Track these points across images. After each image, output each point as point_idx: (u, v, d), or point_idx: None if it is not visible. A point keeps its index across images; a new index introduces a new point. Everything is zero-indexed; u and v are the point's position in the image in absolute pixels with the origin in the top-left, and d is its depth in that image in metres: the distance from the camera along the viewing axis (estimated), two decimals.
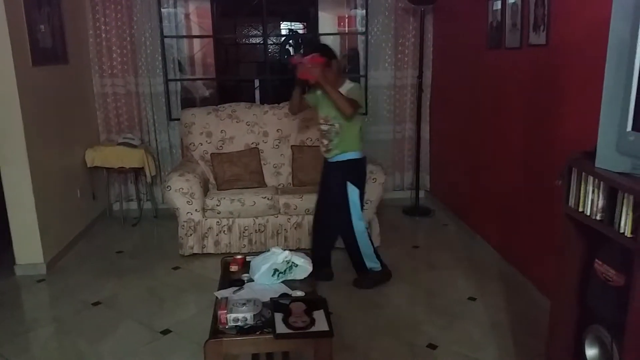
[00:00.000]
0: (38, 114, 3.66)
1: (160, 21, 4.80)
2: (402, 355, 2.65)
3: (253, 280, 2.48)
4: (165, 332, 2.89)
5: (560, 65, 2.88)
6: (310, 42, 3.29)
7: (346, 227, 3.32)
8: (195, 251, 3.89)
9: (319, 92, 3.28)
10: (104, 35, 4.75)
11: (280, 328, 2.02)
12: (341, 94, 3.10)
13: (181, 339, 2.82)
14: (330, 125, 3.24)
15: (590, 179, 1.82)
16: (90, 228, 4.54)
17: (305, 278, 2.48)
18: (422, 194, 5.15)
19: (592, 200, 1.82)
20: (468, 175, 4.29)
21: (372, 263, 3.40)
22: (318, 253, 3.40)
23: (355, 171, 3.33)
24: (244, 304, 2.14)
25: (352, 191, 3.28)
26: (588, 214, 1.86)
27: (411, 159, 5.20)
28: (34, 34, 3.61)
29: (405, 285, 3.46)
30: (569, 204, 1.99)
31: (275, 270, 2.45)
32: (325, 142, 3.30)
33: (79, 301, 3.27)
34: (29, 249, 3.62)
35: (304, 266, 2.50)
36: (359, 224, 3.32)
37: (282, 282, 2.44)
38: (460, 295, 3.28)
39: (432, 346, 2.72)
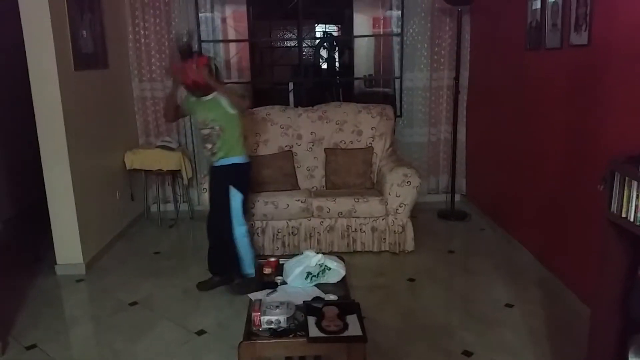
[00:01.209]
0: (79, 117, 3.78)
1: (198, 26, 4.88)
2: None
3: (286, 283, 2.49)
4: (200, 332, 2.93)
5: (603, 66, 2.78)
6: (184, 47, 3.20)
7: (226, 231, 3.26)
8: None
9: (192, 98, 3.27)
10: (143, 40, 4.86)
11: (314, 332, 2.02)
12: (232, 90, 3.19)
13: (215, 340, 2.85)
14: (211, 128, 3.20)
15: (635, 184, 1.75)
16: (128, 229, 4.65)
17: (338, 281, 2.48)
18: (457, 197, 5.06)
19: (636, 206, 1.76)
20: (506, 179, 4.19)
21: (249, 269, 3.29)
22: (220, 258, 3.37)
23: (239, 175, 3.29)
24: (277, 306, 2.15)
25: (235, 195, 3.23)
26: (631, 219, 1.79)
27: (447, 162, 5.12)
28: (76, 40, 3.72)
29: (440, 290, 3.40)
30: (612, 209, 1.92)
31: (309, 273, 2.46)
32: (209, 145, 3.25)
33: (116, 301, 3.35)
34: (69, 249, 3.73)
35: (337, 270, 2.50)
36: (238, 229, 3.26)
37: (315, 285, 2.44)
38: (497, 301, 3.20)
39: (467, 353, 2.66)
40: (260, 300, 2.23)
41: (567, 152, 3.19)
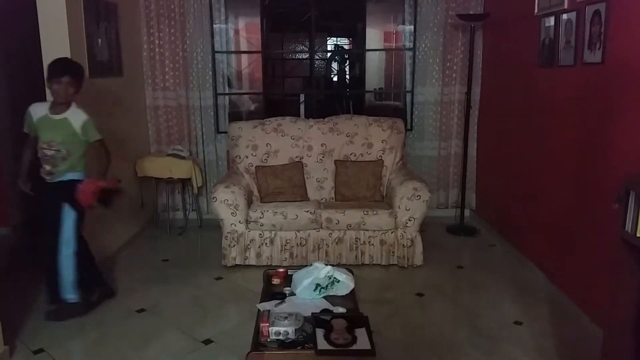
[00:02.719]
0: None
1: (212, 37, 4.94)
2: None
3: (295, 294, 2.49)
4: (207, 342, 2.92)
5: (617, 84, 2.77)
6: (57, 62, 3.08)
7: (52, 251, 3.10)
8: (237, 262, 3.93)
9: (38, 117, 3.10)
10: (157, 49, 4.92)
11: (322, 344, 2.02)
12: (103, 170, 3.13)
13: (222, 349, 2.84)
14: (56, 150, 3.06)
15: None
16: (137, 236, 4.67)
17: (347, 294, 2.47)
18: (467, 212, 5.04)
19: None
20: (517, 195, 4.17)
21: (68, 294, 3.15)
22: (82, 276, 3.21)
23: (73, 193, 3.04)
24: (285, 317, 2.15)
25: (68, 214, 3.08)
26: None
27: (457, 177, 5.11)
28: (92, 47, 3.78)
29: (448, 305, 3.38)
30: (626, 228, 1.90)
31: (317, 285, 2.46)
32: (48, 167, 3.09)
33: (124, 307, 3.35)
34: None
35: (345, 282, 2.50)
36: (65, 250, 3.10)
37: (324, 297, 2.44)
38: (505, 318, 3.17)
39: None
40: (269, 311, 2.23)
41: (578, 169, 3.17)
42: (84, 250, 3.30)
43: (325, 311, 2.28)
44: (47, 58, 3.45)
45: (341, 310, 2.31)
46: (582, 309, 3.10)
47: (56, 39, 3.44)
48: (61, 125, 3.08)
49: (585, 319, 3.03)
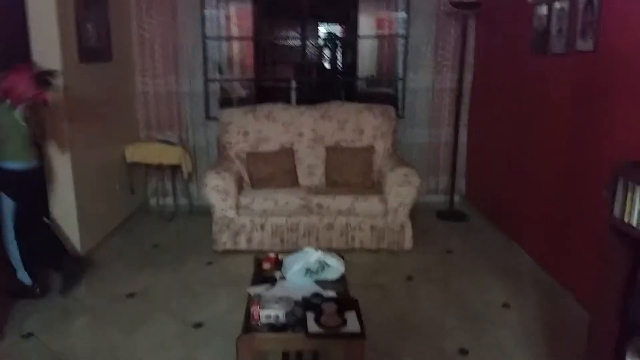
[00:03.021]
0: (82, 109, 3.77)
1: (203, 22, 4.89)
2: None
3: (285, 279, 2.50)
4: (198, 325, 2.94)
5: (608, 72, 2.79)
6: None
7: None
8: (228, 247, 3.94)
9: None
10: (147, 35, 4.86)
11: (312, 327, 2.03)
12: None
13: (213, 333, 2.86)
14: None
15: (638, 188, 1.76)
16: (127, 221, 4.65)
17: (337, 278, 2.48)
18: (457, 198, 5.07)
19: (639, 211, 1.76)
20: (506, 182, 4.21)
21: (21, 276, 3.24)
22: (33, 260, 3.28)
23: (10, 183, 3.11)
24: (276, 301, 2.16)
25: (6, 203, 3.11)
26: (634, 224, 1.79)
27: (447, 163, 5.13)
28: (81, 32, 3.72)
29: (438, 289, 3.41)
30: (614, 214, 1.92)
31: (308, 269, 2.46)
32: None
33: (113, 292, 3.35)
34: (67, 239, 3.73)
35: (336, 267, 2.50)
36: (7, 236, 3.17)
37: (314, 281, 2.45)
38: (493, 301, 3.21)
39: (463, 352, 2.67)
40: (259, 295, 2.24)
41: (569, 156, 3.20)
42: (44, 235, 3.34)
43: (315, 295, 2.28)
44: (36, 44, 3.42)
45: (331, 294, 2.31)
46: (569, 292, 3.15)
47: (45, 24, 3.39)
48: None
49: (572, 301, 3.08)
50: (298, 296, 2.26)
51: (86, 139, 3.86)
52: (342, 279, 2.48)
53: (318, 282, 2.45)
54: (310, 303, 2.20)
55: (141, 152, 4.70)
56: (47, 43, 3.41)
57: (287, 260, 2.56)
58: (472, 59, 4.96)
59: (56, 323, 2.97)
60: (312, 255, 2.49)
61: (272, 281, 2.50)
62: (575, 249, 3.12)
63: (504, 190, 4.27)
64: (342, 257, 2.64)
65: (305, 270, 2.46)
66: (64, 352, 2.67)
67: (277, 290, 2.38)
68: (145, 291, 3.37)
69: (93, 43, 3.97)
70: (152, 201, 5.15)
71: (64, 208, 3.68)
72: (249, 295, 2.31)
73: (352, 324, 2.06)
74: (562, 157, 3.27)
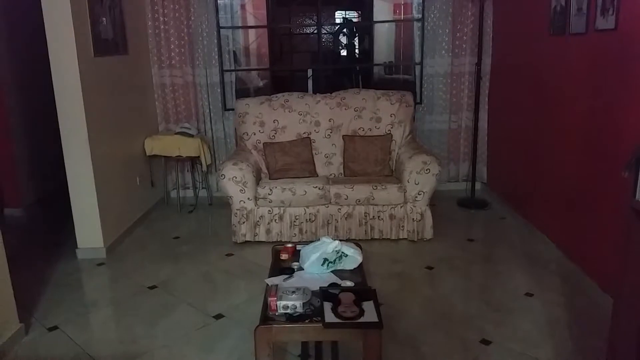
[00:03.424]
0: (99, 103, 3.81)
1: (217, 12, 4.87)
2: (454, 350, 2.58)
3: (303, 269, 2.49)
4: (218, 316, 2.95)
5: (630, 51, 2.68)
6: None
7: None
8: (247, 239, 3.95)
9: None
10: (162, 27, 4.87)
11: (329, 317, 2.01)
12: None
13: (233, 323, 2.87)
14: None
15: None
16: (148, 214, 4.71)
17: (355, 268, 2.46)
18: (478, 185, 4.99)
19: None
20: (528, 167, 4.12)
21: None
22: None
23: None
24: (293, 292, 2.15)
25: None
26: None
27: (467, 150, 5.05)
28: (96, 26, 3.74)
29: (459, 278, 3.37)
30: (637, 197, 1.85)
31: (325, 259, 2.45)
32: None
33: (135, 284, 3.39)
34: (90, 233, 3.78)
35: (353, 256, 2.48)
36: None
37: (332, 271, 2.43)
38: (516, 290, 3.16)
39: (485, 342, 2.63)
40: (277, 285, 2.23)
41: (591, 139, 3.11)
42: None
43: (333, 285, 2.27)
44: (50, 37, 3.45)
45: (349, 284, 2.29)
46: (593, 279, 3.07)
47: (59, 17, 3.41)
48: None
49: (596, 288, 3.01)
50: (315, 286, 2.25)
51: (104, 132, 3.90)
52: (360, 269, 2.46)
53: (336, 272, 2.43)
54: (328, 293, 2.18)
55: (160, 145, 4.73)
56: (62, 37, 3.43)
57: (305, 251, 2.54)
58: (490, 42, 4.85)
59: (80, 316, 3.02)
60: (329, 245, 2.47)
61: (290, 272, 2.50)
62: (600, 234, 3.04)
63: (525, 175, 4.18)
64: (360, 247, 2.62)
65: (322, 260, 2.45)
66: (88, 344, 2.71)
67: (295, 280, 2.37)
68: (167, 283, 3.41)
69: (108, 36, 3.99)
70: (173, 194, 5.20)
71: (85, 201, 3.72)
72: (267, 285, 2.31)
73: (369, 313, 2.03)
74: (584, 139, 3.18)
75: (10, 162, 4.84)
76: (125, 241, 4.13)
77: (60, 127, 3.60)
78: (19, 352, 2.64)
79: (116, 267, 3.69)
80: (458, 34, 4.89)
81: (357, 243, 2.63)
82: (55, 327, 2.88)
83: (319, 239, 2.56)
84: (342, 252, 2.47)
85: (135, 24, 4.56)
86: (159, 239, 4.23)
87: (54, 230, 4.35)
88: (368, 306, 2.08)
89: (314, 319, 2.03)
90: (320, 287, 2.23)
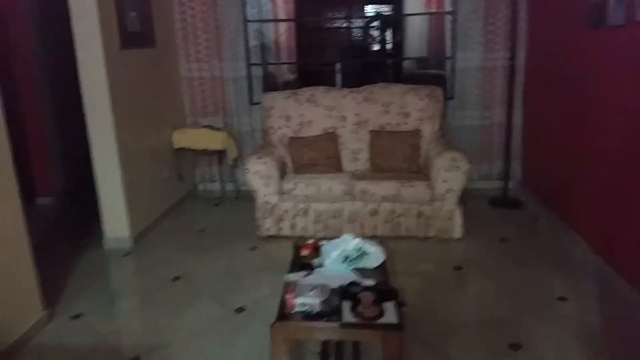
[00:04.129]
0: (126, 96, 3.82)
1: (244, 6, 4.84)
2: (482, 355, 2.48)
3: (323, 266, 2.43)
4: (239, 310, 2.93)
5: None
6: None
7: None
8: (271, 233, 3.91)
9: None
10: (189, 20, 4.87)
11: (347, 317, 1.95)
12: None
13: (254, 318, 2.84)
14: None
15: None
16: (176, 207, 4.73)
17: (377, 267, 2.39)
18: (511, 184, 4.82)
19: None
20: (565, 166, 3.94)
21: None
22: None
23: None
24: (312, 289, 2.09)
25: None
26: None
27: (500, 147, 4.88)
28: (122, 19, 3.76)
29: (489, 280, 3.24)
30: None
31: (346, 257, 2.38)
32: None
33: (160, 276, 3.40)
34: (117, 224, 3.82)
35: (375, 254, 2.41)
36: None
37: (353, 269, 2.37)
38: (549, 294, 3.02)
39: (514, 347, 2.52)
40: (295, 282, 2.18)
41: (631, 137, 2.93)
42: None
43: (353, 283, 2.20)
44: (77, 29, 3.47)
45: (370, 282, 2.22)
46: (632, 286, 2.90)
47: (85, 11, 3.43)
48: None
49: (634, 296, 2.84)
50: (335, 284, 2.19)
51: (132, 125, 3.92)
52: (382, 267, 2.38)
53: (357, 270, 2.36)
54: (347, 291, 2.12)
55: (187, 138, 4.74)
56: (88, 30, 3.45)
57: (326, 247, 2.49)
58: (524, 35, 4.66)
59: (105, 305, 3.05)
60: (350, 242, 2.41)
61: (310, 268, 2.44)
62: (637, 237, 2.86)
63: (561, 174, 4.00)
64: (383, 244, 2.55)
65: (343, 257, 2.38)
66: (110, 334, 2.73)
67: (314, 277, 2.31)
68: (190, 274, 3.41)
69: (135, 29, 4.00)
70: (200, 186, 5.21)
71: (112, 193, 3.76)
72: (285, 282, 2.26)
73: (389, 314, 1.96)
74: (624, 137, 3.00)
75: (42, 151, 4.93)
76: (152, 232, 4.16)
77: (87, 119, 3.63)
78: (42, 339, 2.67)
79: (142, 258, 3.72)
80: (491, 27, 4.72)
81: (380, 240, 2.55)
82: (78, 316, 2.91)
83: (340, 236, 2.50)
84: (364, 250, 2.40)
85: (162, 16, 4.57)
86: (185, 231, 4.24)
87: (83, 219, 4.41)
88: (389, 307, 2.01)
89: (332, 317, 1.97)
90: (339, 285, 2.17)
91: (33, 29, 4.74)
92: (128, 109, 3.85)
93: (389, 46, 7.79)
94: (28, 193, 4.90)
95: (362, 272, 2.35)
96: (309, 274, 2.36)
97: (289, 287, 2.13)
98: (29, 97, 4.82)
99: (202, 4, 4.82)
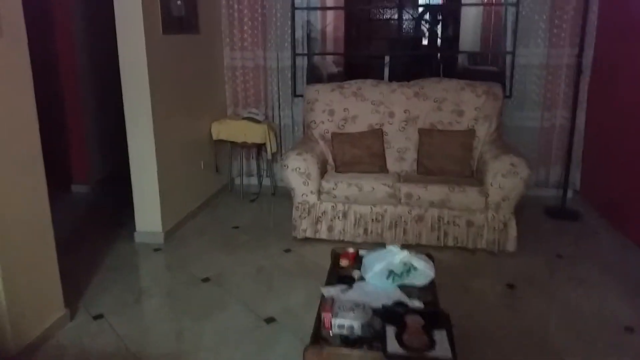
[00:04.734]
0: (166, 83, 3.67)
1: None
2: None
3: (364, 280, 2.18)
4: (270, 320, 2.71)
5: None
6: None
7: None
8: (308, 235, 3.68)
9: None
10: (236, 6, 4.68)
11: (392, 346, 1.69)
12: None
13: (285, 330, 2.62)
14: None
15: None
16: (211, 200, 4.57)
17: (425, 284, 2.12)
18: (570, 193, 4.43)
19: None
20: (631, 176, 3.54)
21: None
22: None
23: None
24: (352, 308, 1.85)
25: None
26: None
27: (560, 152, 4.49)
28: (166, 2, 3.59)
29: (545, 303, 2.90)
30: None
31: (391, 271, 2.13)
32: None
33: (189, 275, 3.23)
34: (149, 217, 3.68)
35: (424, 270, 2.14)
36: None
37: (398, 286, 2.11)
38: (614, 322, 2.67)
39: None
40: (333, 299, 1.94)
41: None
42: None
43: (398, 304, 1.94)
44: (118, 11, 3.33)
45: (417, 304, 1.96)
46: None
47: None
48: None
49: None
50: (378, 303, 1.94)
51: (170, 114, 3.76)
52: (431, 286, 2.12)
53: (402, 288, 2.10)
54: (392, 313, 1.86)
55: (226, 130, 4.57)
56: (129, 12, 3.30)
57: (368, 259, 2.23)
58: (594, 31, 4.24)
59: (127, 305, 2.89)
60: (396, 255, 2.15)
61: (350, 281, 2.20)
62: None
63: (626, 185, 3.60)
64: (432, 259, 2.27)
65: (388, 272, 2.13)
66: (130, 337, 2.56)
67: (354, 293, 2.07)
68: (221, 276, 3.22)
69: (179, 13, 3.83)
70: (237, 181, 5.04)
71: (146, 184, 3.61)
72: (322, 296, 2.02)
73: (441, 346, 1.69)
74: None
75: (80, 138, 4.87)
76: (185, 227, 4.00)
77: (124, 106, 3.50)
78: (61, 340, 2.53)
79: (172, 254, 3.56)
80: (557, 21, 4.33)
81: (429, 255, 2.28)
82: (100, 316, 2.75)
83: (384, 246, 2.24)
84: (412, 265, 2.14)
85: (208, 2, 4.39)
86: (219, 227, 4.07)
87: (117, 210, 4.30)
88: (440, 336, 1.74)
89: (374, 345, 1.72)
90: (383, 305, 1.92)
91: (75, 13, 4.65)
92: (167, 97, 3.70)
93: (440, 39, 7.40)
94: (64, 180, 4.89)
95: (408, 290, 2.09)
96: (348, 288, 2.12)
97: (326, 303, 1.89)
98: (69, 84, 4.75)
99: None
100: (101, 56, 4.85)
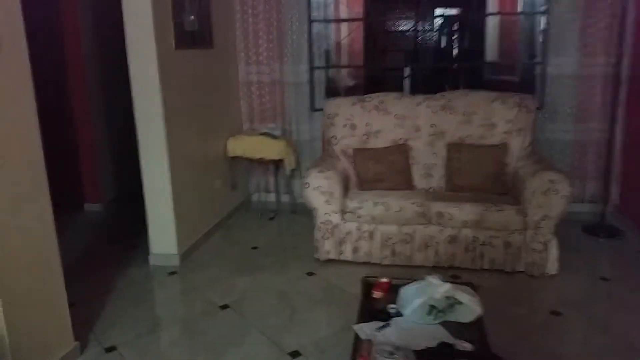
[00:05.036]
0: (179, 99, 3.51)
1: (309, 6, 4.44)
2: None
3: (402, 315, 1.96)
4: (294, 354, 2.49)
5: None
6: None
7: None
8: (331, 257, 3.47)
9: None
10: (251, 20, 4.53)
11: None
12: None
13: None
14: None
15: None
16: (227, 219, 4.38)
17: (471, 321, 1.90)
18: (609, 209, 4.16)
19: None
20: None
21: None
22: None
23: None
24: (392, 352, 1.62)
25: None
26: None
27: (596, 166, 4.23)
28: (179, 16, 3.44)
29: (597, 332, 2.65)
30: None
31: (432, 307, 1.90)
32: None
33: (206, 301, 3.04)
34: (164, 239, 3.50)
35: (470, 305, 1.91)
36: None
37: (441, 323, 1.88)
38: None
39: None
40: (370, 340, 1.72)
41: None
42: None
43: (444, 345, 1.72)
44: (130, 27, 3.18)
45: (466, 345, 1.73)
46: None
47: (138, 5, 3.13)
48: None
49: None
50: (420, 344, 1.71)
51: (185, 131, 3.59)
52: (478, 323, 1.89)
53: (445, 325, 1.88)
54: (437, 357, 1.64)
55: (243, 146, 4.39)
56: (140, 27, 3.15)
57: (406, 292, 2.01)
58: (632, 38, 4.01)
59: (141, 336, 2.69)
60: (437, 289, 1.93)
61: (385, 317, 1.97)
62: None
63: None
64: (475, 289, 2.05)
65: (429, 307, 1.90)
66: None
67: (392, 331, 1.85)
68: (240, 302, 3.02)
69: (192, 28, 3.68)
70: (254, 197, 4.86)
71: (161, 204, 3.44)
72: (356, 336, 1.80)
73: None
74: None
75: (92, 157, 4.73)
76: (201, 248, 3.82)
77: (136, 123, 3.34)
78: None
79: (188, 278, 3.37)
80: (590, 30, 4.09)
81: (474, 286, 2.05)
82: (113, 348, 2.56)
83: (423, 278, 2.02)
84: (455, 299, 1.91)
85: (222, 15, 4.24)
86: (237, 248, 3.88)
87: (130, 231, 4.13)
88: None
89: None
90: (426, 347, 1.69)
91: (85, 29, 4.53)
92: (181, 113, 3.53)
93: (463, 50, 7.20)
94: (77, 199, 4.75)
95: (452, 327, 1.86)
96: (385, 325, 1.89)
97: (362, 346, 1.67)
98: (80, 102, 4.62)
99: (265, 2, 4.46)
100: (112, 73, 4.74)
